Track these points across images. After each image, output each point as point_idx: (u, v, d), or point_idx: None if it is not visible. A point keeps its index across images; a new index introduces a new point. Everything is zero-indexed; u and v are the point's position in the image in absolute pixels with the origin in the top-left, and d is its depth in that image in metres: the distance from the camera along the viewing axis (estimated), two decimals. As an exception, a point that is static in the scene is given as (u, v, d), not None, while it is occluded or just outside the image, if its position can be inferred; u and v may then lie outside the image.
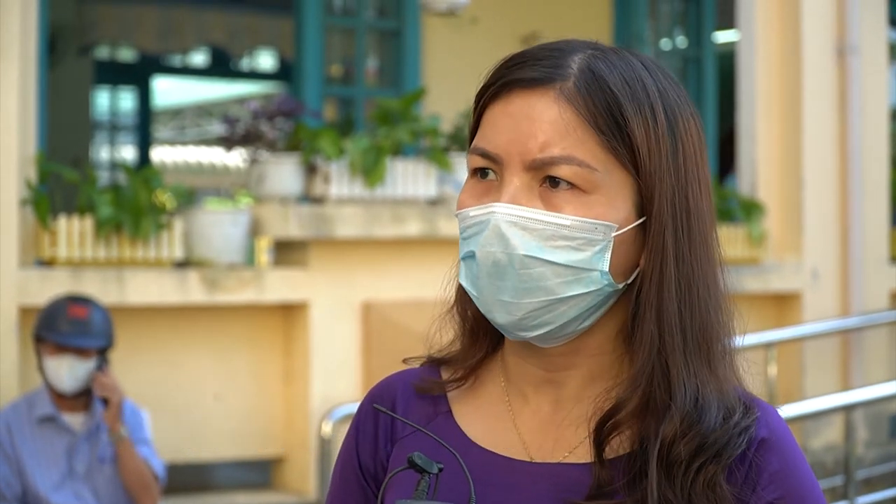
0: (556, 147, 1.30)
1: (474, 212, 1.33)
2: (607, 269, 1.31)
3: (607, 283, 1.31)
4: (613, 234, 1.31)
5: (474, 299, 1.35)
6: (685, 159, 1.34)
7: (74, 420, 4.47)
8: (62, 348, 4.41)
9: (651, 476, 1.29)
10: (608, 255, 1.31)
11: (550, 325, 1.32)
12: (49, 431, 4.43)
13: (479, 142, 1.35)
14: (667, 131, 1.33)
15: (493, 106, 1.35)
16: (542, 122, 1.31)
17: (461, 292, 1.43)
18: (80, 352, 4.42)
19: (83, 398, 4.47)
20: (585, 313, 1.32)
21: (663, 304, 1.32)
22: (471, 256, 1.33)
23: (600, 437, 1.33)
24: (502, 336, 1.43)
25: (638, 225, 1.32)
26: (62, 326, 4.44)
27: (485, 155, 1.34)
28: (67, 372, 4.39)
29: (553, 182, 1.30)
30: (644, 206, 1.32)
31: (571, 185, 1.30)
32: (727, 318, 1.37)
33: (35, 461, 4.38)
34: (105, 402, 4.40)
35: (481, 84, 1.38)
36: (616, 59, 1.34)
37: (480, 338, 1.43)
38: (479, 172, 1.35)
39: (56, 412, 4.44)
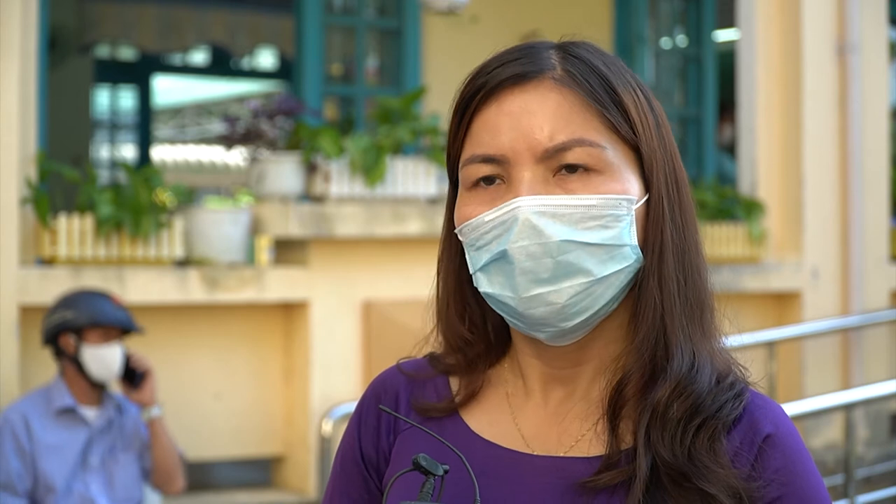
0: (564, 133, 1.31)
1: (491, 215, 1.32)
2: (636, 243, 1.33)
3: (636, 258, 1.33)
4: (634, 207, 1.32)
5: (508, 301, 1.32)
6: (665, 131, 1.38)
7: (89, 413, 4.50)
8: (111, 332, 4.47)
9: (640, 434, 1.31)
10: (634, 229, 1.33)
11: (589, 310, 1.32)
12: (67, 424, 4.46)
13: (477, 150, 1.34)
14: (647, 105, 1.37)
15: (483, 112, 1.35)
16: (544, 112, 1.32)
17: (454, 312, 1.42)
18: (121, 336, 4.52)
19: (99, 391, 4.52)
20: (618, 293, 1.33)
21: (664, 271, 1.34)
22: (500, 258, 1.31)
23: (613, 410, 1.34)
24: (507, 340, 1.43)
25: (646, 199, 1.35)
26: (113, 311, 4.51)
27: (488, 160, 1.33)
28: (119, 356, 4.46)
29: (568, 169, 1.31)
30: (646, 178, 1.35)
31: (585, 169, 1.31)
32: (712, 282, 1.40)
33: (51, 454, 4.40)
34: (138, 380, 4.50)
35: (461, 95, 1.37)
36: (588, 47, 1.38)
37: (481, 356, 1.43)
38: (481, 182, 1.34)
39: (75, 404, 4.47)
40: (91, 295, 4.56)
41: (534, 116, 1.32)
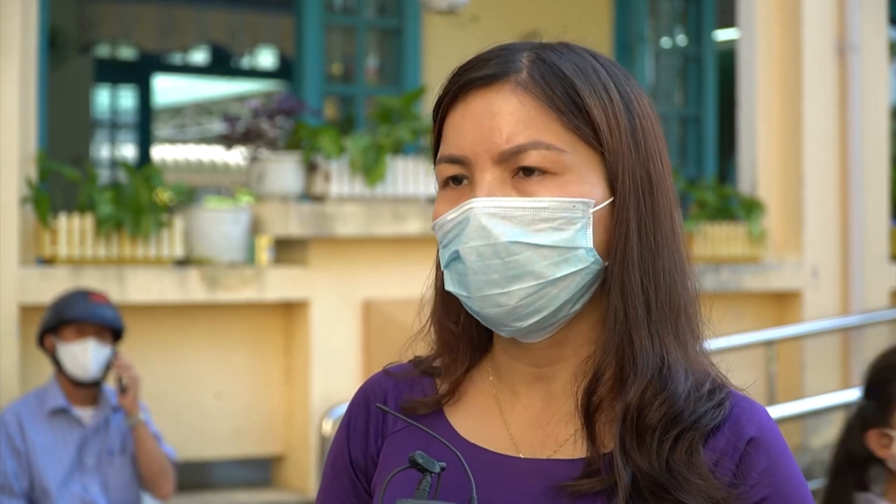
0: (521, 135, 1.32)
1: (451, 215, 1.34)
2: (591, 246, 1.33)
3: (594, 260, 1.33)
4: (591, 211, 1.32)
5: (464, 300, 1.35)
6: (644, 135, 1.37)
7: (84, 414, 4.49)
8: (85, 328, 4.42)
9: (616, 440, 1.31)
10: (590, 232, 1.33)
11: (544, 311, 1.32)
12: (60, 424, 4.45)
13: (444, 150, 1.37)
14: (623, 109, 1.36)
15: (452, 112, 1.37)
16: (503, 114, 1.33)
17: (441, 307, 1.44)
18: (103, 333, 4.45)
19: (93, 391, 4.50)
20: (576, 295, 1.33)
21: (626, 275, 1.33)
22: (455, 258, 1.34)
23: (587, 412, 1.34)
24: (489, 339, 1.44)
25: (611, 203, 1.34)
26: (86, 307, 4.45)
27: (453, 160, 1.35)
28: (92, 354, 4.40)
29: (526, 171, 1.32)
30: (612, 182, 1.35)
31: (543, 171, 1.32)
32: (693, 288, 1.39)
33: (45, 455, 4.39)
34: (123, 387, 4.44)
35: (438, 96, 1.40)
36: (564, 50, 1.38)
37: (463, 351, 1.44)
38: (451, 181, 1.36)
39: (68, 404, 4.45)
40: (70, 294, 4.54)
41: (494, 118, 1.33)
